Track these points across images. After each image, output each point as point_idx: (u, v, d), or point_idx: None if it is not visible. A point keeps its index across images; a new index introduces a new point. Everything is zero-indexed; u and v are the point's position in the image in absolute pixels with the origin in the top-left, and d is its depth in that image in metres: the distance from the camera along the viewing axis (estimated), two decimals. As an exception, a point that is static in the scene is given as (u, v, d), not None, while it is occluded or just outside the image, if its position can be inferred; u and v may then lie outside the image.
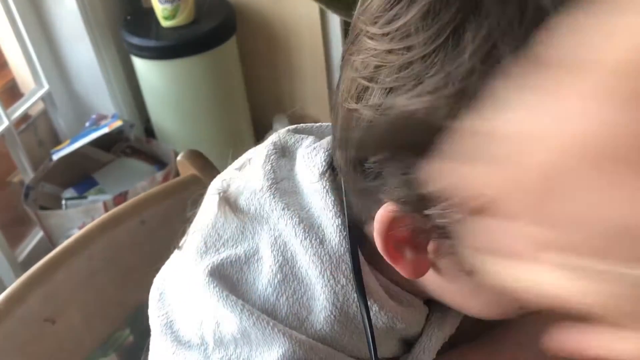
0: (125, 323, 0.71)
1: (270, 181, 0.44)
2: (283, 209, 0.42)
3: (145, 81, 1.75)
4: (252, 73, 1.87)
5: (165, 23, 1.64)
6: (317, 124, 0.54)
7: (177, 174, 1.86)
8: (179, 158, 0.77)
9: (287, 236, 0.41)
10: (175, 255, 0.49)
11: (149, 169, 1.77)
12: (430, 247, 0.36)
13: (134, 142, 1.83)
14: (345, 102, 0.36)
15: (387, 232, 0.36)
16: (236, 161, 0.52)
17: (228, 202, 0.45)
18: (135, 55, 1.69)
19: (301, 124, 0.54)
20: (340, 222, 0.40)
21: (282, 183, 0.44)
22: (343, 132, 0.37)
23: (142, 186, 1.67)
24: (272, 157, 0.47)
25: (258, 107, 1.93)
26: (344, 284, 0.39)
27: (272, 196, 0.43)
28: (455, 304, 0.42)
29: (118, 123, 1.72)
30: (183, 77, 1.69)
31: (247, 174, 0.48)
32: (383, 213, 0.35)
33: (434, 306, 0.45)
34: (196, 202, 0.55)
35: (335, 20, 1.74)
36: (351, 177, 0.38)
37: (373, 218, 0.37)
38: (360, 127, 0.35)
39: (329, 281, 0.39)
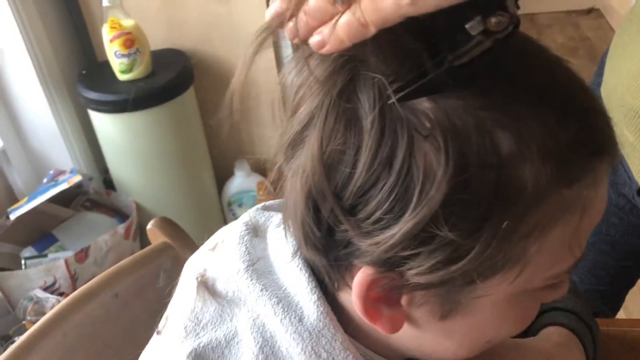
0: (104, 401, 0.70)
1: (246, 263, 0.46)
2: (261, 290, 0.43)
3: (103, 134, 1.74)
4: (212, 122, 1.88)
5: (122, 77, 1.64)
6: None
7: (139, 226, 1.84)
8: (148, 226, 0.78)
9: (266, 316, 0.42)
10: (155, 340, 0.49)
11: (110, 222, 1.75)
12: (404, 300, 0.39)
13: (93, 195, 1.80)
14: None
15: (365, 293, 0.38)
16: (208, 241, 0.53)
17: (206, 286, 0.47)
18: (92, 110, 1.68)
19: (269, 202, 0.55)
20: (316, 298, 0.42)
21: (258, 264, 0.46)
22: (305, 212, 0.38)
23: (104, 240, 1.64)
24: (245, 237, 0.48)
25: (219, 154, 1.93)
26: (325, 357, 0.41)
27: (249, 278, 0.44)
28: (431, 351, 0.44)
29: (77, 178, 1.70)
30: (142, 129, 1.69)
31: (221, 256, 0.49)
32: (362, 277, 0.38)
33: None
34: (169, 271, 0.56)
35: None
36: (320, 250, 0.39)
37: (347, 284, 0.40)
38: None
39: (310, 357, 0.41)
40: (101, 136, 1.75)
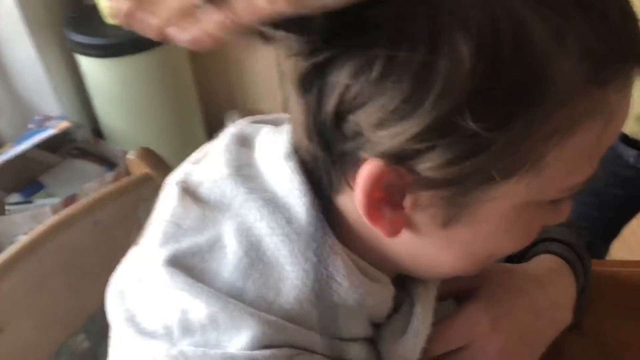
0: (81, 328, 0.68)
1: (231, 168, 0.43)
2: (246, 193, 0.41)
3: (92, 80, 1.70)
4: (203, 69, 1.84)
5: (111, 20, 1.60)
6: (275, 115, 0.53)
7: (128, 174, 1.82)
8: (129, 156, 0.75)
9: (252, 220, 0.40)
10: (133, 250, 0.47)
11: (98, 169, 1.72)
12: (407, 202, 0.37)
13: (82, 143, 1.77)
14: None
15: (371, 188, 0.36)
16: (192, 155, 0.51)
17: (187, 191, 0.44)
18: (80, 54, 1.64)
19: (258, 116, 0.53)
20: (307, 201, 0.40)
21: (244, 169, 0.44)
22: (315, 99, 0.36)
23: (91, 187, 1.62)
24: (231, 146, 0.46)
25: (209, 103, 1.90)
26: (314, 261, 0.39)
27: (234, 182, 0.42)
28: (427, 263, 0.43)
29: (65, 124, 1.67)
30: (131, 75, 1.65)
31: (205, 164, 0.47)
32: (369, 168, 0.35)
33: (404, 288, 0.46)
34: (149, 200, 0.54)
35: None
36: (322, 145, 0.37)
37: (349, 185, 0.38)
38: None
39: (298, 260, 0.39)
40: (90, 82, 1.71)
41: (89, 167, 1.73)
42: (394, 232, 0.39)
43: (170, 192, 0.45)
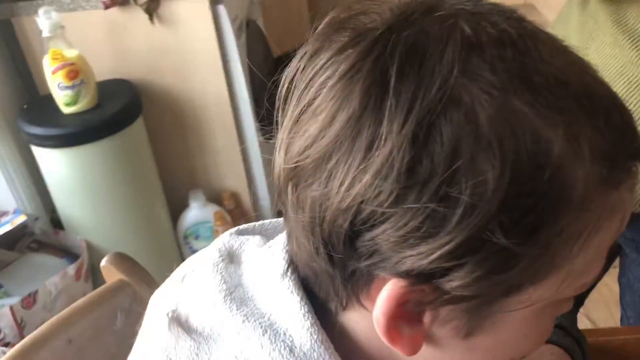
0: None
1: (223, 293, 0.41)
2: (243, 321, 0.39)
3: (49, 171, 1.65)
4: (163, 151, 1.82)
5: (66, 110, 1.57)
6: (260, 223, 0.51)
7: (91, 266, 1.75)
8: (102, 263, 0.71)
9: (251, 351, 0.38)
10: None
11: (59, 263, 1.65)
12: (427, 317, 0.36)
13: (40, 236, 1.71)
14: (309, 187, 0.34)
15: (395, 309, 0.34)
16: (175, 273, 0.48)
17: (179, 322, 0.42)
18: (36, 145, 1.60)
19: (243, 225, 0.51)
20: (310, 324, 0.38)
21: (236, 292, 0.41)
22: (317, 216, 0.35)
23: (52, 283, 1.55)
24: (219, 265, 0.44)
25: (171, 185, 1.87)
26: None
27: (228, 309, 0.40)
28: None
29: (21, 218, 1.61)
30: (90, 164, 1.62)
31: (193, 287, 0.44)
32: (393, 290, 0.34)
33: None
34: (128, 310, 0.51)
35: (243, 92, 1.74)
36: (336, 262, 0.35)
37: (360, 303, 0.36)
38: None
39: None
40: (46, 173, 1.66)
41: (49, 260, 1.65)
42: (414, 350, 0.37)
43: (159, 322, 0.42)
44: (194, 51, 1.68)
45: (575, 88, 0.33)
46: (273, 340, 0.38)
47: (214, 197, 1.88)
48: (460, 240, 0.31)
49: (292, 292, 0.39)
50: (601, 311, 1.61)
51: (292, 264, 0.40)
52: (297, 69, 0.37)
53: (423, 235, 0.32)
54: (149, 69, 1.72)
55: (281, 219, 0.51)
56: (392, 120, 0.31)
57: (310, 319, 0.38)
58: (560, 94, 0.32)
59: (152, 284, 0.70)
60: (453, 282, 0.33)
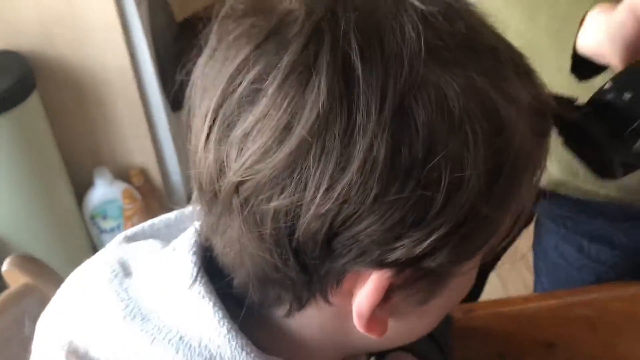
0: None
1: (122, 313, 0.38)
2: (152, 342, 0.36)
3: None
4: (63, 129, 1.70)
5: (-52, 87, 1.43)
6: (149, 223, 0.48)
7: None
8: (4, 268, 0.65)
9: None
10: None
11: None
12: (397, 295, 0.36)
13: None
14: None
15: (382, 301, 0.34)
16: (60, 290, 0.44)
17: (77, 355, 0.38)
18: None
19: (130, 230, 0.47)
20: (227, 330, 0.35)
21: (136, 310, 0.38)
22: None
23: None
24: (113, 282, 0.40)
25: (75, 164, 1.76)
26: None
27: (132, 333, 0.37)
28: (396, 339, 0.43)
29: None
30: (-19, 145, 1.49)
31: (87, 311, 0.40)
32: (380, 280, 0.33)
33: None
34: (35, 316, 0.47)
35: (147, 62, 1.66)
36: (308, 265, 0.33)
37: (326, 299, 0.35)
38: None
39: None
40: None
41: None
42: (385, 330, 0.37)
43: (53, 356, 0.38)
44: (90, 20, 1.57)
45: (505, 53, 0.34)
46: (189, 356, 0.35)
47: (122, 174, 1.79)
48: (451, 221, 0.31)
49: (203, 297, 0.36)
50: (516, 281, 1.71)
51: (201, 269, 0.37)
52: (207, 65, 0.34)
53: (411, 224, 0.31)
54: (41, 41, 1.59)
55: (171, 215, 0.48)
56: (368, 111, 0.29)
57: (226, 324, 0.35)
58: (497, 61, 0.33)
59: (61, 284, 0.65)
60: (437, 259, 0.33)
